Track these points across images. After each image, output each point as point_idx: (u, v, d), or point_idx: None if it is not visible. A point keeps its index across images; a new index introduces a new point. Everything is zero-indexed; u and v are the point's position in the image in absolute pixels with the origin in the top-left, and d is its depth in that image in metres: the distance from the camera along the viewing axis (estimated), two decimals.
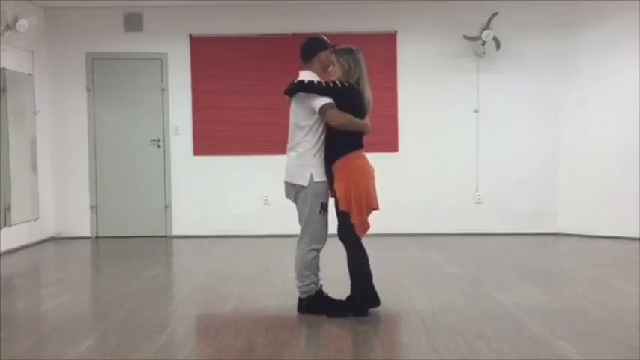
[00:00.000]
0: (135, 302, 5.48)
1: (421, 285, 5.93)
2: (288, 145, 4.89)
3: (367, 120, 4.84)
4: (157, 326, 4.71)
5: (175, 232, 9.13)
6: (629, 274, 6.33)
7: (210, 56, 9.06)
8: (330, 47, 4.91)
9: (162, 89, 9.11)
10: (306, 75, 4.83)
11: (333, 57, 4.85)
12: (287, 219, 8.92)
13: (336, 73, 4.82)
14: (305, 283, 4.89)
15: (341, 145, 4.74)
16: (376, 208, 4.83)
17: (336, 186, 4.75)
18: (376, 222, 8.69)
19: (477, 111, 8.95)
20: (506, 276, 6.29)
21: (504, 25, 8.67)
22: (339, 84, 4.71)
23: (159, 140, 9.12)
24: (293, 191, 4.87)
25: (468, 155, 8.97)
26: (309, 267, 4.86)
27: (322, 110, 4.68)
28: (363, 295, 4.86)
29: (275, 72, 8.94)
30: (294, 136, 4.82)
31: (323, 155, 4.79)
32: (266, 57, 9.01)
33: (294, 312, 4.96)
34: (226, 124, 9.05)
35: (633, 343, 4.13)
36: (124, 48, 9.07)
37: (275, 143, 8.94)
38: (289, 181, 4.87)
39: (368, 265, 4.87)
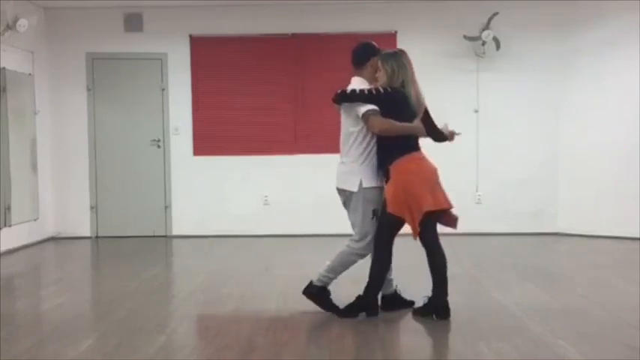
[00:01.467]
0: (135, 302, 5.48)
1: (421, 285, 5.92)
2: (341, 152, 4.92)
3: (417, 122, 4.80)
4: (157, 326, 4.71)
5: (175, 232, 9.12)
6: (629, 274, 6.33)
7: (210, 56, 9.05)
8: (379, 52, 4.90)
9: (163, 89, 9.10)
10: (356, 82, 4.84)
11: (379, 62, 4.81)
12: (287, 219, 9.05)
13: (381, 79, 4.78)
14: (330, 276, 4.88)
15: (392, 149, 4.70)
16: (432, 209, 4.64)
17: (386, 189, 4.72)
18: None
19: (476, 111, 8.95)
20: (506, 276, 6.29)
21: (504, 25, 8.66)
22: (382, 90, 4.67)
23: (159, 140, 9.12)
24: (343, 197, 4.87)
25: (468, 155, 8.96)
26: (345, 267, 4.87)
27: (365, 117, 4.67)
28: (370, 298, 4.85)
29: (275, 72, 8.96)
30: (345, 142, 4.83)
31: (374, 161, 4.77)
32: (266, 57, 9.01)
33: (294, 312, 4.97)
34: (226, 124, 9.04)
35: (633, 343, 4.13)
36: (124, 48, 9.06)
37: (275, 143, 8.99)
38: (340, 187, 4.87)
39: (385, 274, 4.88)
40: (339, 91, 4.77)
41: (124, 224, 9.08)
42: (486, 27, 8.63)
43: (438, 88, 8.94)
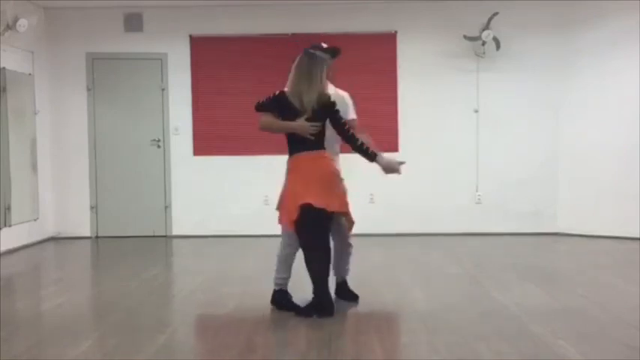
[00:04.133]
0: (135, 302, 5.48)
1: (421, 285, 5.93)
2: None
3: (300, 121, 5.04)
4: (157, 326, 4.71)
5: (175, 232, 9.12)
6: (629, 274, 6.33)
7: (210, 56, 9.06)
8: None
9: (163, 89, 9.11)
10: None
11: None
12: None
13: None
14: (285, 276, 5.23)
15: (289, 147, 5.18)
16: (304, 201, 5.04)
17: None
18: (377, 222, 8.69)
19: (477, 111, 8.95)
20: (506, 276, 6.29)
21: (504, 25, 8.66)
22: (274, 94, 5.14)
23: (159, 140, 9.12)
24: None
25: (468, 155, 8.96)
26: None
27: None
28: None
29: (275, 72, 8.91)
30: None
31: None
32: (266, 57, 9.01)
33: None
34: (226, 124, 9.04)
35: (633, 343, 4.13)
36: (124, 48, 9.06)
37: (275, 143, 8.95)
38: None
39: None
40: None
41: (124, 224, 9.08)
42: (486, 27, 8.63)
43: (438, 88, 8.99)
